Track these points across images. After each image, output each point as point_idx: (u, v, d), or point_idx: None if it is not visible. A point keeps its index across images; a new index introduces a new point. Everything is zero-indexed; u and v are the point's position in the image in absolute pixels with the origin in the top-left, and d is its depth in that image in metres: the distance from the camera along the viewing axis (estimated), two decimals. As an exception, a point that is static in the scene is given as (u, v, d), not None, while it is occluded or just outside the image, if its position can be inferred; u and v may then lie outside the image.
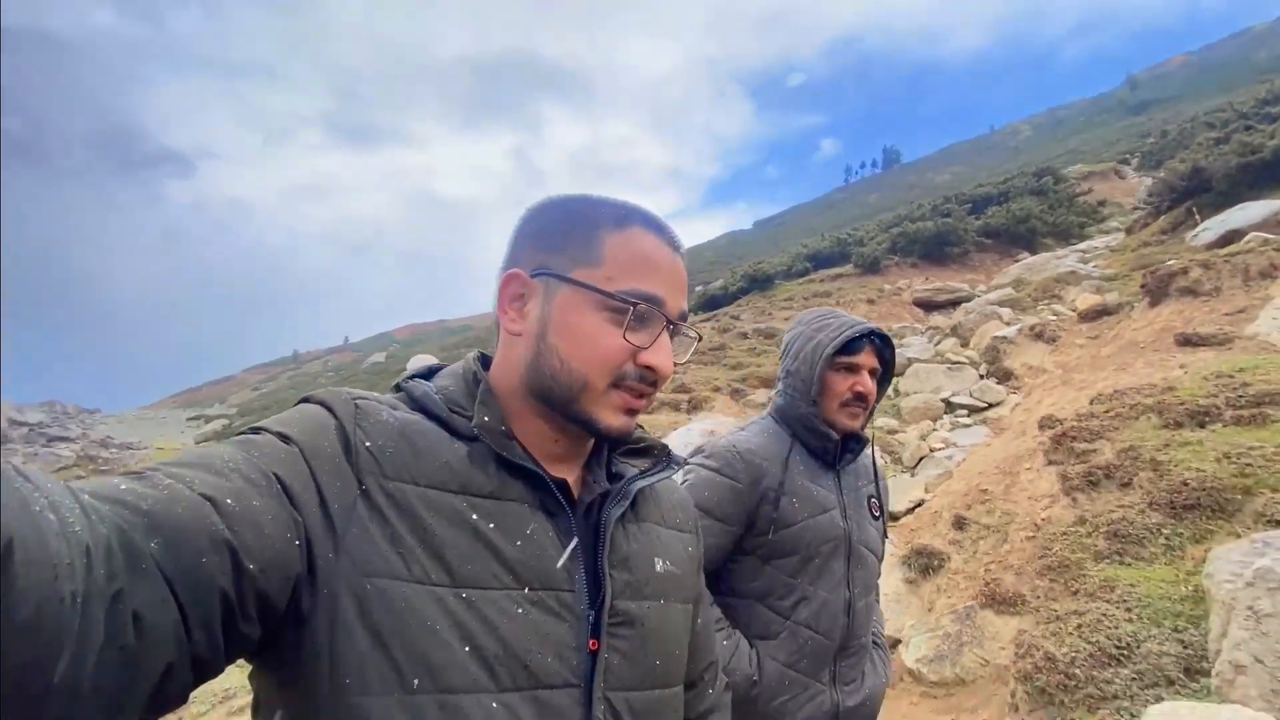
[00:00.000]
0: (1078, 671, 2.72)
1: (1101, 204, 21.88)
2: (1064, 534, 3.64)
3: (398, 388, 0.70)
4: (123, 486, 0.45)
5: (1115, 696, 2.58)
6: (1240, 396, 3.98)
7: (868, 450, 1.61)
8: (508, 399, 0.69)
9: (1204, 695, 2.45)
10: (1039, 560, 3.57)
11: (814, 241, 27.38)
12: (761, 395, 10.02)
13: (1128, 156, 35.71)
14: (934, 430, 7.59)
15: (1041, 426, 4.83)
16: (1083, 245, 16.66)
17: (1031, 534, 3.90)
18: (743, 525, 1.41)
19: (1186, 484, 3.36)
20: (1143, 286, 7.97)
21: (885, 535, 1.62)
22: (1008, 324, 10.49)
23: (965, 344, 10.99)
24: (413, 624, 0.54)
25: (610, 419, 0.67)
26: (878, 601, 1.65)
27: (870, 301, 17.12)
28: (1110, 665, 2.71)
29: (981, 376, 9.07)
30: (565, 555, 0.64)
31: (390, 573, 0.55)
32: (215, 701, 4.55)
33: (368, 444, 0.59)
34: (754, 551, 1.42)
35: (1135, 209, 18.28)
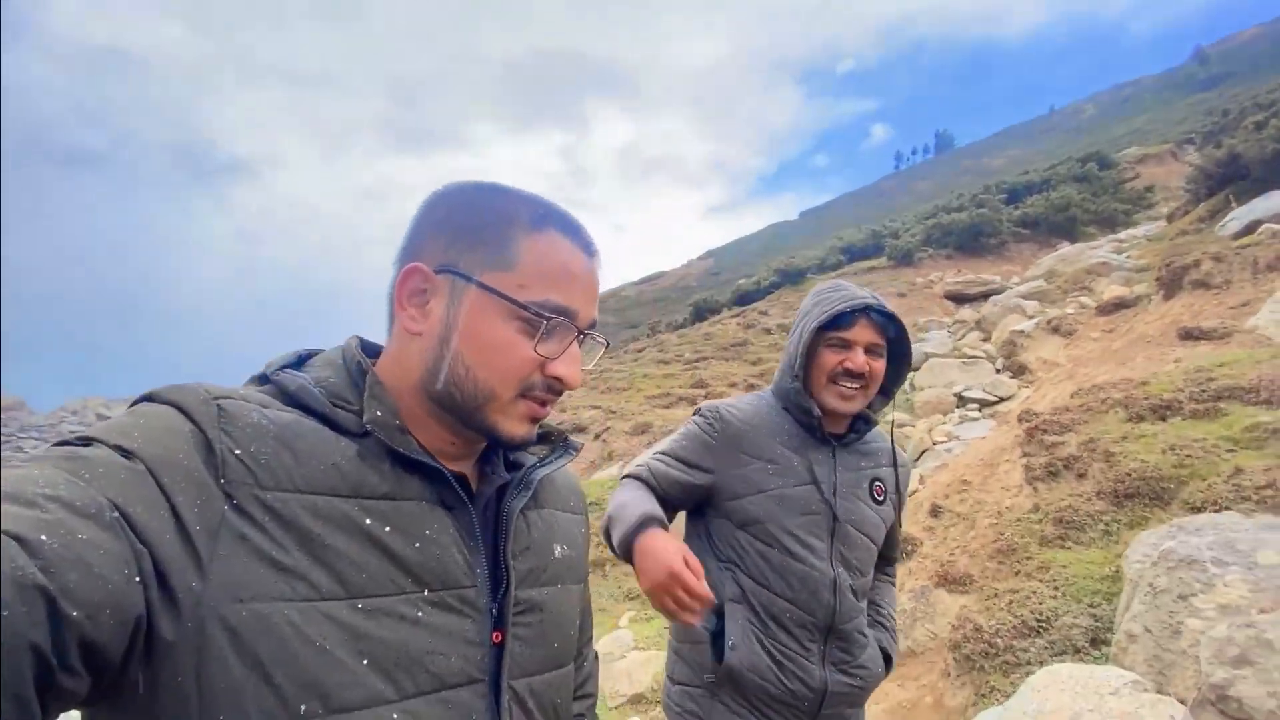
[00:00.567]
0: (999, 641, 3.03)
1: (1149, 190, 21.16)
2: (1018, 520, 3.91)
3: (264, 379, 0.64)
4: None
5: (1028, 663, 2.88)
6: (1203, 391, 4.15)
7: (885, 433, 1.56)
8: (401, 396, 0.65)
9: (1101, 661, 2.74)
10: (992, 544, 3.85)
11: (849, 234, 27.22)
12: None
13: (1194, 136, 34.14)
14: (942, 424, 7.77)
15: (1020, 420, 5.04)
16: (1122, 234, 16.26)
17: (994, 521, 4.17)
18: (707, 479, 1.41)
19: (1130, 474, 3.59)
20: (1158, 279, 7.95)
21: (899, 522, 1.56)
22: (1030, 317, 10.48)
23: (987, 338, 11.02)
24: (298, 646, 0.51)
25: (514, 428, 0.65)
26: (890, 584, 1.64)
27: (901, 295, 17.08)
28: (1029, 636, 3.01)
29: (998, 371, 9.16)
30: (467, 551, 0.63)
31: (270, 594, 0.51)
32: None
33: (237, 451, 0.53)
34: (728, 516, 1.41)
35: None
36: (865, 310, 1.37)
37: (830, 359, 1.39)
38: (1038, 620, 3.04)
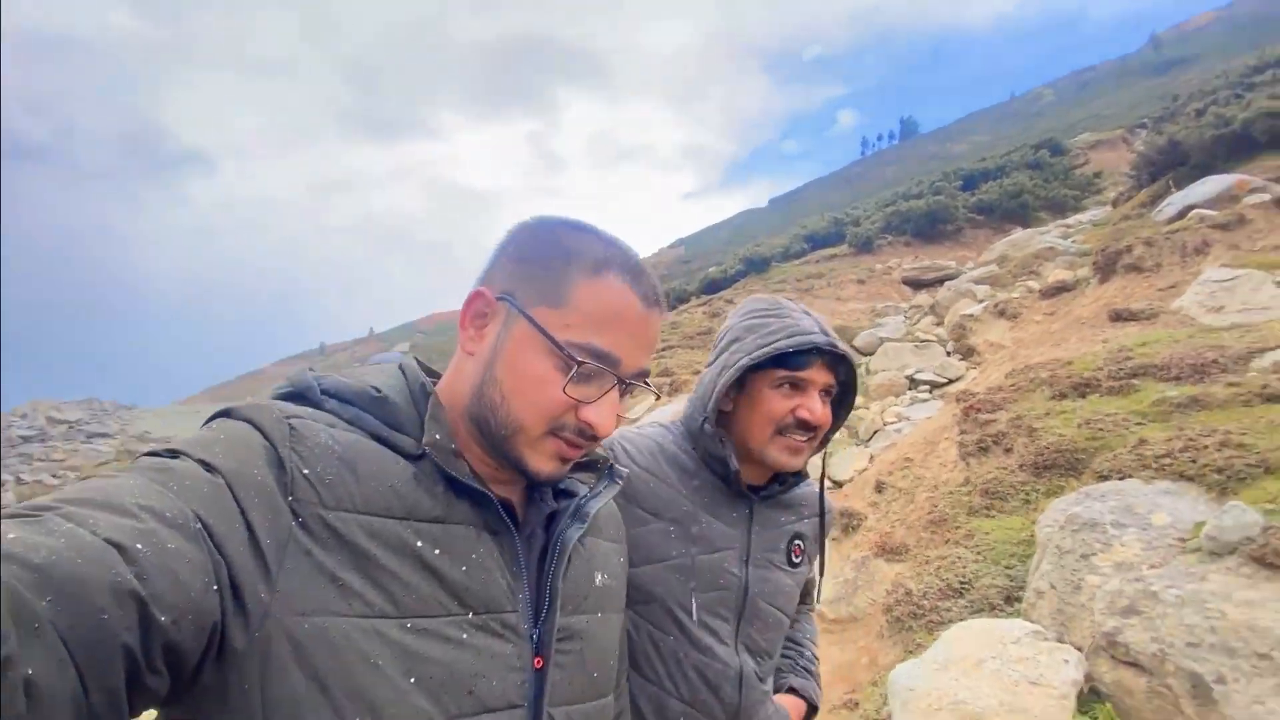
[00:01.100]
0: (926, 603, 3.28)
1: (1098, 175, 21.90)
2: (951, 493, 4.17)
3: (295, 396, 0.66)
4: (11, 535, 0.40)
5: (950, 621, 3.13)
6: (1120, 369, 4.46)
7: (813, 480, 1.29)
8: (455, 418, 0.67)
9: (1014, 617, 2.99)
10: (927, 516, 4.11)
11: (812, 222, 27.64)
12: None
13: (1146, 121, 35.24)
14: (894, 405, 8.08)
15: (958, 400, 5.32)
16: (1071, 220, 16.84)
17: (930, 494, 4.44)
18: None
19: (1049, 447, 3.87)
20: (1094, 264, 8.35)
21: (820, 577, 1.35)
22: (979, 301, 10.88)
23: (940, 322, 11.41)
24: (353, 661, 0.53)
25: (541, 465, 0.66)
26: (809, 612, 1.44)
27: (860, 281, 17.47)
28: (952, 597, 3.26)
29: (948, 354, 9.52)
30: (510, 576, 0.65)
31: (328, 609, 0.53)
32: None
33: (305, 470, 0.56)
34: None
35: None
36: (817, 349, 1.11)
37: (779, 405, 1.11)
38: (960, 583, 3.30)
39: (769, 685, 1.23)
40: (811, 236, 25.15)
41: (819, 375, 1.12)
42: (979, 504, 3.90)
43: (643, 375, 0.68)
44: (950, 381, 8.52)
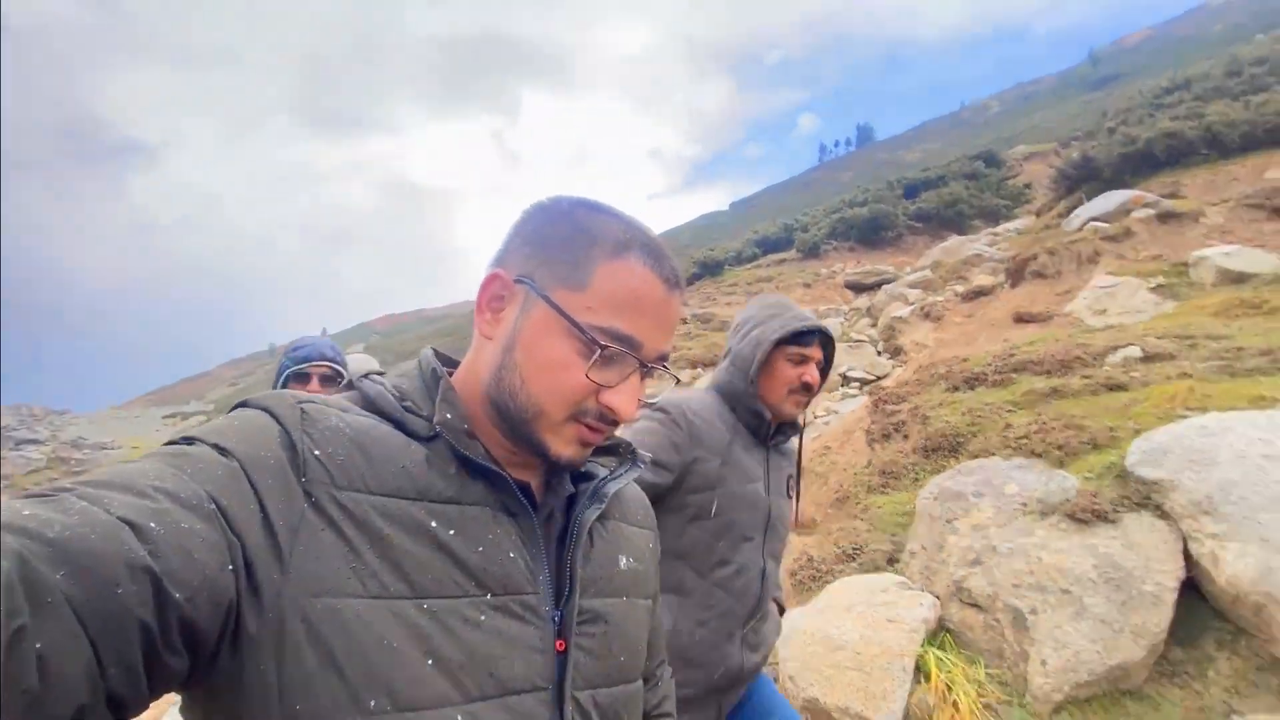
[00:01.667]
0: (823, 566, 3.76)
1: (1028, 186, 23.23)
2: (856, 475, 4.69)
3: (350, 385, 0.68)
4: (25, 512, 0.41)
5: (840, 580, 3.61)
6: (1004, 365, 5.05)
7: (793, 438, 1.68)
8: (471, 402, 0.67)
9: (895, 573, 3.49)
10: (834, 495, 4.61)
11: (764, 227, 28.49)
12: (685, 375, 11.02)
13: (1080, 134, 37.24)
14: (825, 401, 8.66)
15: (870, 393, 5.88)
16: (1000, 228, 17.92)
17: (840, 477, 4.96)
18: (671, 478, 1.43)
19: (936, 433, 4.41)
20: (1006, 270, 9.11)
21: (797, 503, 1.73)
22: (910, 304, 11.63)
23: (875, 323, 12.13)
24: (368, 642, 0.52)
25: (562, 449, 0.65)
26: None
27: (807, 285, 18.23)
28: (845, 561, 3.75)
29: (878, 353, 10.19)
30: (529, 557, 0.64)
31: (342, 590, 0.53)
32: None
33: (316, 452, 0.56)
34: (680, 510, 1.44)
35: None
36: (818, 331, 1.54)
37: (790, 372, 1.50)
38: (853, 548, 3.79)
39: (777, 583, 1.64)
40: (763, 241, 25.94)
41: (816, 352, 1.54)
42: (877, 483, 4.42)
43: (663, 359, 0.67)
44: (879, 379, 9.16)
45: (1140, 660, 2.37)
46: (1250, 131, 11.49)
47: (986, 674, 2.68)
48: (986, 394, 4.77)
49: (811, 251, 21.31)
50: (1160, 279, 6.55)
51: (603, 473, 0.74)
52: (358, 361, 2.59)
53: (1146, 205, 9.29)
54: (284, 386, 2.03)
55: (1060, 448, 3.50)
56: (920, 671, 2.70)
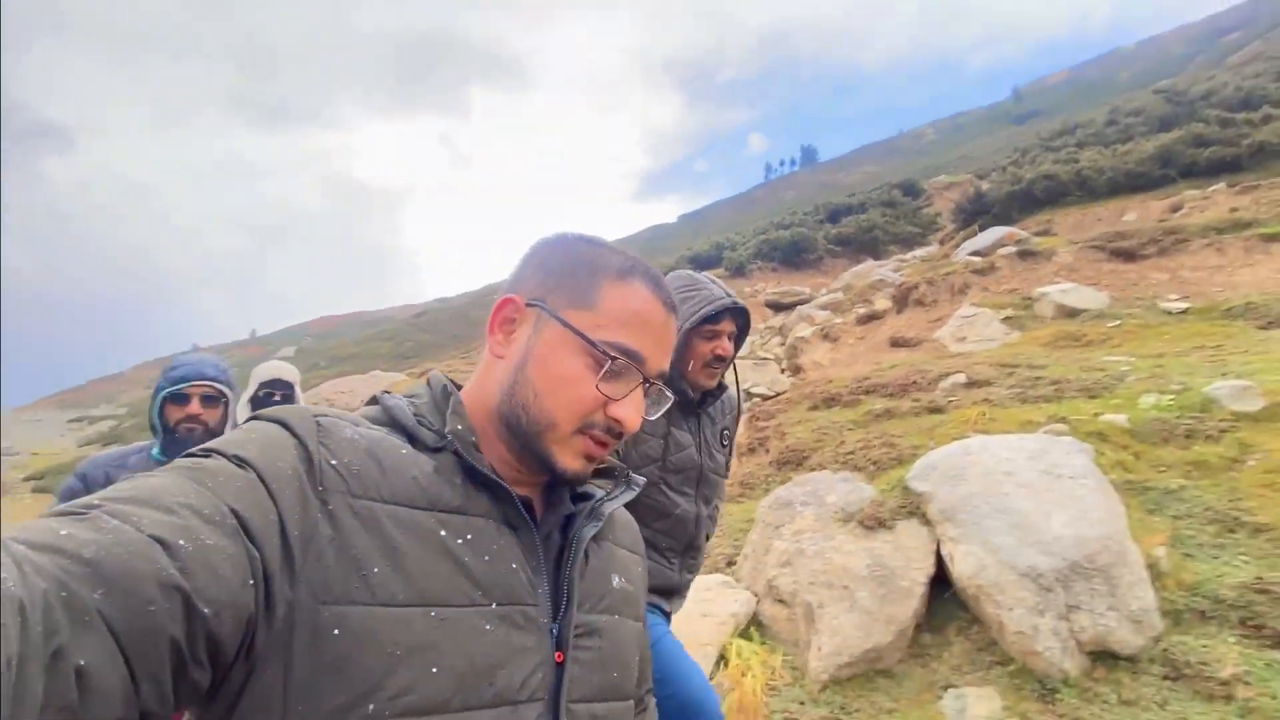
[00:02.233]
0: (671, 570, 4.12)
1: (938, 215, 24.78)
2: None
3: (374, 400, 0.71)
4: (63, 532, 0.42)
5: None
6: (859, 387, 5.59)
7: (731, 390, 1.88)
8: (478, 418, 0.70)
9: (729, 573, 3.88)
10: (698, 505, 5.01)
11: (697, 244, 29.30)
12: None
13: (1001, 166, 39.88)
14: (726, 416, 9.13)
15: (748, 410, 6.35)
16: (908, 255, 19.11)
17: (709, 488, 5.36)
18: (632, 461, 1.63)
19: (789, 447, 4.87)
20: (892, 297, 9.86)
21: (730, 457, 1.92)
22: (814, 325, 12.33)
23: (784, 342, 12.79)
24: (373, 649, 0.53)
25: (569, 462, 0.68)
26: (719, 509, 1.96)
27: (730, 303, 18.91)
28: (691, 564, 4.13)
29: (782, 370, 10.78)
30: (530, 570, 0.66)
31: (351, 597, 0.54)
32: None
33: (333, 461, 0.57)
34: None
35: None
36: (727, 309, 1.68)
37: (703, 348, 1.67)
38: (700, 553, 4.18)
39: (711, 526, 1.87)
40: (695, 258, 26.67)
41: (727, 325, 1.69)
42: (736, 493, 4.84)
43: (663, 376, 0.72)
44: (778, 395, 9.72)
45: (890, 643, 2.81)
46: (1114, 177, 12.81)
47: (784, 660, 3.08)
48: (837, 413, 5.27)
49: (738, 270, 22.13)
50: (1010, 311, 7.30)
51: (600, 493, 0.77)
52: (270, 369, 2.49)
53: (1018, 242, 10.24)
54: (159, 410, 1.92)
55: (875, 463, 3.99)
56: (724, 659, 3.07)
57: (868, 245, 22.39)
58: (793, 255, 22.08)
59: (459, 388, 0.74)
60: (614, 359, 0.66)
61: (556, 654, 0.65)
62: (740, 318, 1.75)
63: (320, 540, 0.54)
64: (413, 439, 0.65)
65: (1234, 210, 8.46)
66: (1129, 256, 7.84)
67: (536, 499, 0.72)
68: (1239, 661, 2.25)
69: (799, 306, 16.21)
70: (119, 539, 0.43)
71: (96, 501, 0.46)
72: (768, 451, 5.23)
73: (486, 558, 0.62)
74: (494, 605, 0.61)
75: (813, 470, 4.46)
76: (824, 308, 14.68)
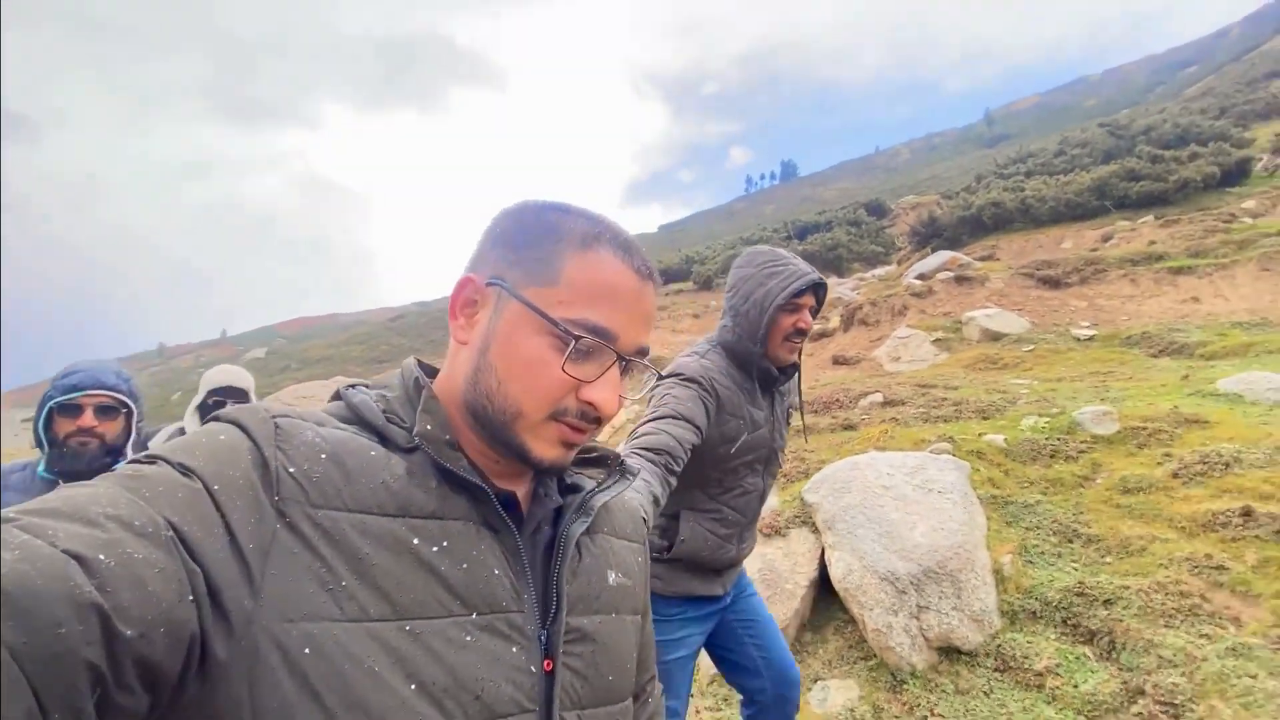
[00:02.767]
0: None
1: (899, 236, 25.52)
2: (651, 496, 5.38)
3: (337, 396, 0.66)
4: None
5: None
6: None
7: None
8: (451, 410, 0.65)
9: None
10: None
11: (668, 257, 29.72)
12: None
13: (968, 188, 41.14)
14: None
15: (687, 424, 6.65)
16: (869, 274, 19.70)
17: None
18: (700, 439, 1.59)
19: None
20: (841, 317, 10.28)
21: (805, 416, 2.17)
22: (771, 342, 12.70)
23: (741, 357, 13.15)
24: (348, 668, 0.50)
25: (544, 451, 0.63)
26: None
27: (696, 316, 19.30)
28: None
29: (735, 385, 11.12)
30: (514, 575, 0.62)
31: (318, 614, 0.50)
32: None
33: (290, 469, 0.54)
34: (703, 457, 1.65)
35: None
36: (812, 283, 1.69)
37: (786, 322, 1.68)
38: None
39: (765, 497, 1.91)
40: (665, 271, 27.06)
41: (808, 300, 1.71)
42: (664, 504, 5.12)
43: (642, 352, 0.66)
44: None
45: (771, 641, 3.10)
46: (1056, 206, 13.46)
47: (683, 658, 3.35)
48: (765, 429, 5.59)
49: (705, 284, 22.53)
50: (941, 333, 7.72)
51: (590, 485, 0.73)
52: (221, 375, 2.37)
53: (960, 266, 10.75)
54: (46, 421, 1.69)
55: (785, 475, 4.30)
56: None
57: (832, 263, 22.97)
58: (758, 271, 22.54)
59: (434, 375, 0.70)
60: (578, 338, 0.61)
61: (546, 662, 0.62)
62: (819, 290, 1.77)
63: (280, 553, 0.51)
64: (384, 438, 0.61)
65: (1152, 243, 9.03)
66: (1054, 284, 8.33)
67: (523, 490, 0.69)
68: (1054, 655, 2.58)
69: (760, 322, 16.62)
70: (26, 554, 0.39)
71: (13, 515, 0.42)
72: (698, 464, 5.52)
73: (464, 565, 0.59)
74: (474, 615, 0.58)
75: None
76: (783, 324, 15.10)
